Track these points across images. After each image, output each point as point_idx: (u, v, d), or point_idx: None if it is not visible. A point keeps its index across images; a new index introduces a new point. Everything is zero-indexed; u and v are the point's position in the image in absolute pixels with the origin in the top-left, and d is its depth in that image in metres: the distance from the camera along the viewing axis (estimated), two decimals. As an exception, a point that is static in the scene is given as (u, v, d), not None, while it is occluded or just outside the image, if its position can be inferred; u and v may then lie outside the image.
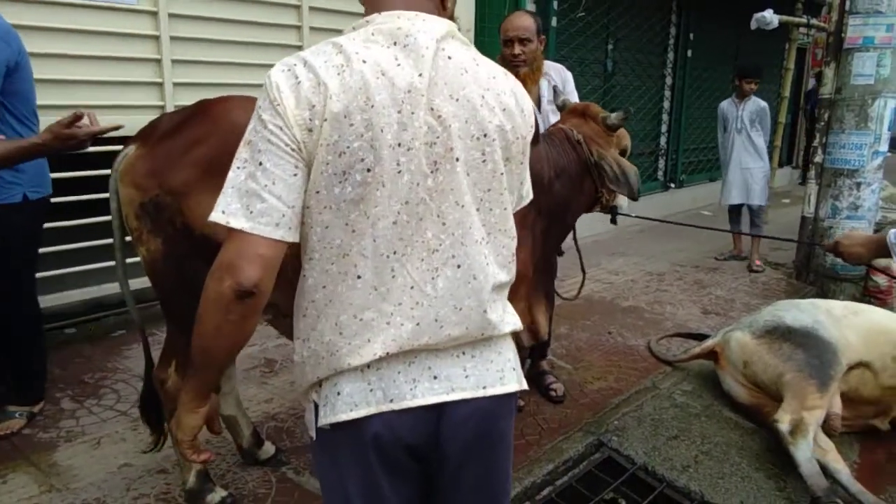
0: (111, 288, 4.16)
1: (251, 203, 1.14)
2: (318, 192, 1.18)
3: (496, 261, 1.31)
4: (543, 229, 2.62)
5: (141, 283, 2.53)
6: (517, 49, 3.19)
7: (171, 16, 4.16)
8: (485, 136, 1.24)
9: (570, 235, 3.13)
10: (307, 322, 1.29)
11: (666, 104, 8.76)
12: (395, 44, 1.20)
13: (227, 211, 1.15)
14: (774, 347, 3.19)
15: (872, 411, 3.20)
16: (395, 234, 1.20)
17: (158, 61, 4.17)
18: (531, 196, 1.47)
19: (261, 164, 1.15)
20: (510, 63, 3.23)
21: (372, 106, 1.15)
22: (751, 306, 5.06)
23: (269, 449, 2.79)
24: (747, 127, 6.23)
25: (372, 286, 1.21)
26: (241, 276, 1.13)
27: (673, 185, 8.99)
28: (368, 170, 1.16)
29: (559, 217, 2.65)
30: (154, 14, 4.11)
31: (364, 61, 1.16)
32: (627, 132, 2.90)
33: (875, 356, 3.10)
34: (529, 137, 1.35)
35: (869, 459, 3.12)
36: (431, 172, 1.20)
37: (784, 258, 6.36)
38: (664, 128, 8.84)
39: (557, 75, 3.36)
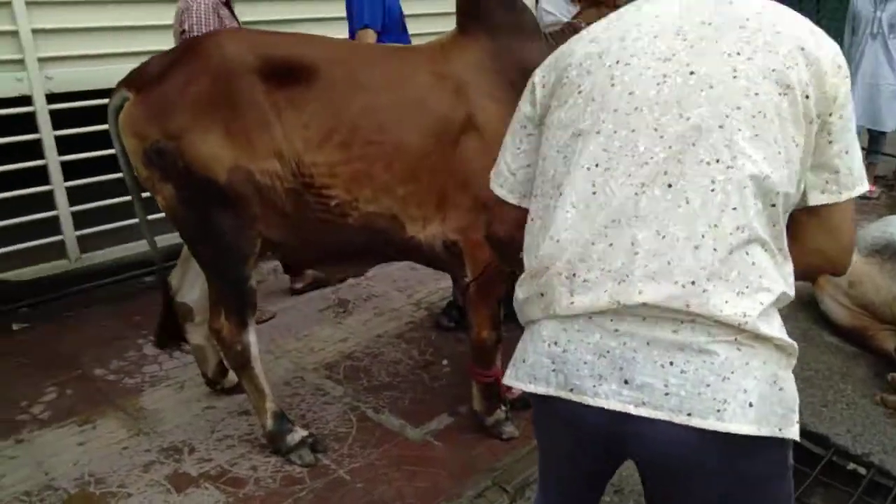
0: (184, 235, 4.19)
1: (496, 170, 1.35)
2: (548, 130, 1.20)
3: (738, 192, 1.00)
4: None
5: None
6: None
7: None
8: (738, 53, 1.04)
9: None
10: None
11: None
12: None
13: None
14: (886, 267, 2.94)
15: None
16: (598, 144, 1.08)
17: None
18: (863, 182, 1.10)
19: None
20: None
21: (593, 41, 1.17)
22: (847, 223, 4.68)
23: (232, 378, 2.77)
24: (885, 31, 5.13)
25: (573, 206, 1.08)
26: (490, 230, 1.40)
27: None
28: (579, 91, 1.13)
29: None
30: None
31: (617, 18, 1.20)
32: None
33: None
34: (836, 82, 1.04)
35: None
36: (657, 85, 1.06)
37: (883, 170, 5.86)
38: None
39: None
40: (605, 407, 1.03)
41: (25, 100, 3.54)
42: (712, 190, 1.00)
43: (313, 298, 3.82)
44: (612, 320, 1.04)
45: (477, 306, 2.37)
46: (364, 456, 2.44)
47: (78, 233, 3.85)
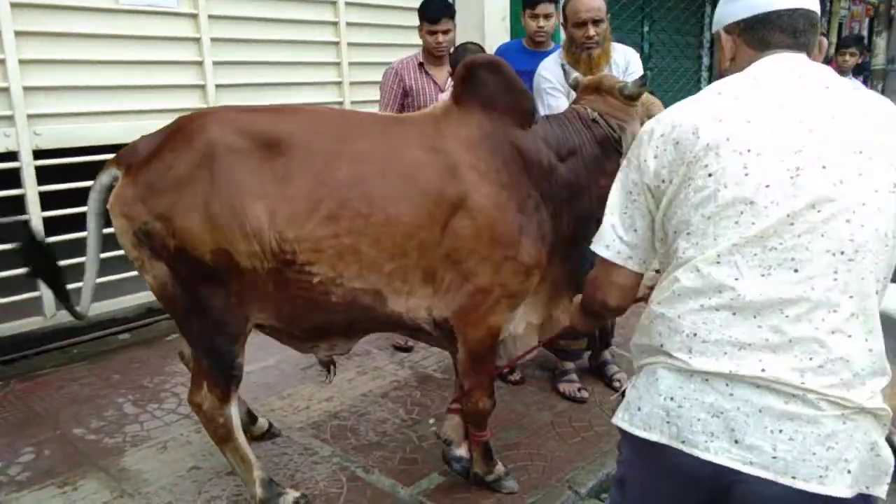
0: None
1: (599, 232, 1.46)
2: (672, 202, 1.28)
3: (857, 283, 1.16)
4: (551, 213, 2.34)
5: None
6: (591, 31, 3.02)
7: (211, 17, 4.15)
8: (861, 152, 1.18)
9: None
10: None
11: (703, 85, 8.56)
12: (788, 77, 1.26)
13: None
14: None
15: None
16: (735, 232, 1.20)
17: (200, 63, 4.16)
18: None
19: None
20: (583, 45, 3.07)
21: (720, 120, 1.23)
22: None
23: (262, 424, 2.90)
24: None
25: (707, 286, 1.23)
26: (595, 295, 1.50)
27: (714, 168, 8.82)
28: (710, 175, 1.21)
29: (570, 202, 2.37)
30: (195, 17, 4.10)
31: (729, 94, 1.29)
32: (660, 101, 2.56)
33: None
34: None
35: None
36: (791, 178, 1.17)
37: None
38: (703, 110, 8.66)
39: (622, 57, 3.20)
40: (712, 461, 1.19)
41: (12, 155, 3.54)
42: (835, 279, 1.16)
43: (294, 357, 3.80)
44: (727, 385, 1.19)
45: (471, 378, 2.36)
46: (356, 516, 2.42)
47: (55, 289, 3.79)
